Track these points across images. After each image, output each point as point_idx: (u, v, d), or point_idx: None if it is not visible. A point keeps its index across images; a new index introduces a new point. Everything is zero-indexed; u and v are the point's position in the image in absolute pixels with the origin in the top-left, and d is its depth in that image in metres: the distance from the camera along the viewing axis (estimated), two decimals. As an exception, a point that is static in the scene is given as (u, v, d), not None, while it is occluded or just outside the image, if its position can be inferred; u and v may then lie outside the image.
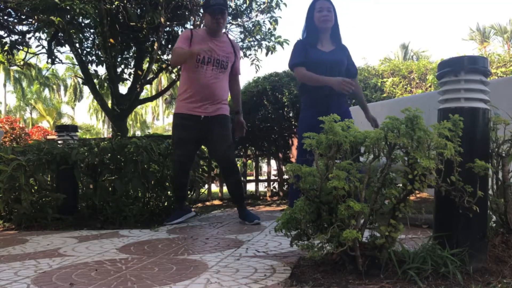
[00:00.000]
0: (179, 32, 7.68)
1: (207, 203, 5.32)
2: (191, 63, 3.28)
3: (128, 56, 7.77)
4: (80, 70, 7.05)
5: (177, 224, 3.35)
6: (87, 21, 6.77)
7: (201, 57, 3.27)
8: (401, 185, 1.57)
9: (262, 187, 5.98)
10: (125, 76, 7.74)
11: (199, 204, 5.16)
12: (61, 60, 7.42)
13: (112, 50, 6.79)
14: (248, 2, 6.95)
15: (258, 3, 7.12)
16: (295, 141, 5.54)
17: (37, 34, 6.74)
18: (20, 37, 6.72)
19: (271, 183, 5.86)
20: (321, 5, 2.98)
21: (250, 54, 7.27)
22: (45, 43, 7.00)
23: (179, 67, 5.48)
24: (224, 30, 3.45)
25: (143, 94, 14.61)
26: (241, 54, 3.65)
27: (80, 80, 8.03)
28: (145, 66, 7.35)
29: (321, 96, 2.93)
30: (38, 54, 7.21)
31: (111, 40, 6.72)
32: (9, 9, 6.28)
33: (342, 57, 3.05)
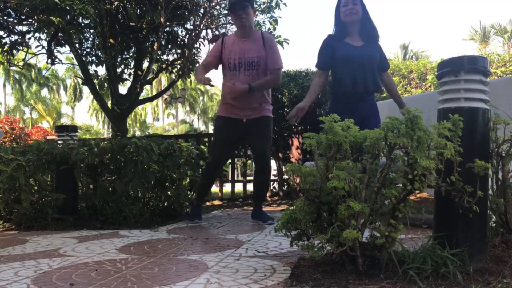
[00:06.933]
0: (179, 32, 7.70)
1: (207, 203, 5.31)
2: (225, 71, 3.31)
3: (128, 56, 7.77)
4: (80, 70, 7.06)
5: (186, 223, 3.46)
6: (87, 21, 6.77)
7: (231, 64, 3.24)
8: (401, 185, 1.57)
9: (262, 187, 5.97)
10: (125, 76, 7.75)
11: (199, 204, 5.15)
12: (60, 61, 7.43)
13: (112, 50, 6.79)
14: (248, 2, 6.95)
15: (258, 3, 7.12)
16: (295, 141, 5.54)
17: (37, 34, 6.75)
18: (20, 37, 6.73)
19: (271, 183, 5.86)
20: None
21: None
22: (45, 43, 7.01)
23: None
24: (253, 28, 3.32)
25: (143, 94, 14.61)
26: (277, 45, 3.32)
27: (80, 80, 8.03)
28: (145, 66, 7.35)
29: (351, 97, 2.88)
30: (37, 54, 7.21)
31: (111, 40, 6.72)
32: (9, 9, 6.28)
33: (374, 52, 2.93)
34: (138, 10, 6.90)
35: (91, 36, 7.40)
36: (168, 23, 6.81)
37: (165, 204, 3.87)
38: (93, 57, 7.32)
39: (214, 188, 6.17)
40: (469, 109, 1.68)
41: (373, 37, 2.98)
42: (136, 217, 3.41)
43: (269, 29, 7.17)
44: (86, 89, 33.54)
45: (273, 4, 7.08)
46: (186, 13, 7.06)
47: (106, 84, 7.73)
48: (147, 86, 26.25)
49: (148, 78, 7.32)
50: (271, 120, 3.41)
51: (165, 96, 18.56)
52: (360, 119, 2.86)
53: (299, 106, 2.85)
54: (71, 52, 6.98)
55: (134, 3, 6.72)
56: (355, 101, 2.89)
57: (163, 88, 14.81)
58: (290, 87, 5.37)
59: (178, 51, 7.82)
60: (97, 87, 7.42)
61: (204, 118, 43.76)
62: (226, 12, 7.43)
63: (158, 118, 46.52)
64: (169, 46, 7.68)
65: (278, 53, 3.28)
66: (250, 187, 6.24)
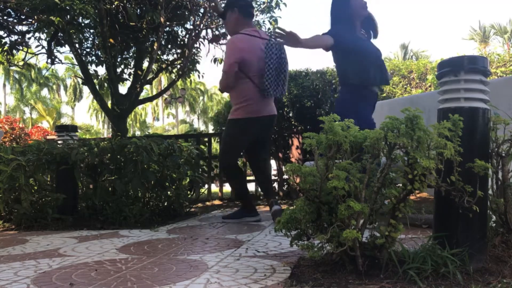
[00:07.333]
0: (179, 32, 7.69)
1: (207, 203, 5.31)
2: None
3: (128, 56, 7.77)
4: (80, 70, 7.05)
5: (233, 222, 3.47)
6: (87, 21, 6.77)
7: None
8: (401, 185, 1.57)
9: (262, 187, 5.96)
10: (125, 76, 7.74)
11: (199, 204, 5.16)
12: (60, 60, 7.42)
13: (112, 50, 6.79)
14: (248, 2, 6.94)
15: (258, 3, 7.12)
16: (295, 141, 5.54)
17: (37, 34, 6.74)
18: (20, 37, 6.72)
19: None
20: None
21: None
22: (45, 43, 7.00)
23: None
24: (233, 32, 3.36)
25: (143, 94, 14.62)
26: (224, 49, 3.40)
27: (80, 80, 8.03)
28: (145, 66, 7.35)
29: (366, 85, 2.89)
30: (37, 54, 7.21)
31: (111, 40, 6.72)
32: (9, 9, 6.28)
33: (378, 48, 3.02)
34: (138, 10, 6.89)
35: (91, 36, 7.40)
36: (168, 23, 6.80)
37: (165, 204, 3.87)
38: (93, 57, 7.31)
39: (214, 188, 6.17)
40: (469, 109, 1.68)
41: (375, 34, 3.04)
42: (136, 217, 3.41)
43: (269, 29, 7.17)
44: (86, 89, 33.57)
45: (273, 4, 7.08)
46: (186, 13, 7.05)
47: (106, 84, 7.72)
48: (147, 86, 26.26)
49: (148, 78, 7.31)
50: (231, 122, 3.33)
51: (165, 96, 18.58)
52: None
53: (295, 34, 2.69)
54: (71, 52, 6.98)
55: (134, 3, 6.71)
56: (371, 96, 2.94)
57: (163, 88, 14.82)
58: (290, 87, 5.37)
59: (178, 51, 7.82)
60: (97, 87, 7.41)
61: (204, 118, 43.78)
62: None
63: (158, 118, 46.57)
64: (169, 46, 7.68)
65: (225, 56, 3.26)
66: (249, 186, 6.23)
